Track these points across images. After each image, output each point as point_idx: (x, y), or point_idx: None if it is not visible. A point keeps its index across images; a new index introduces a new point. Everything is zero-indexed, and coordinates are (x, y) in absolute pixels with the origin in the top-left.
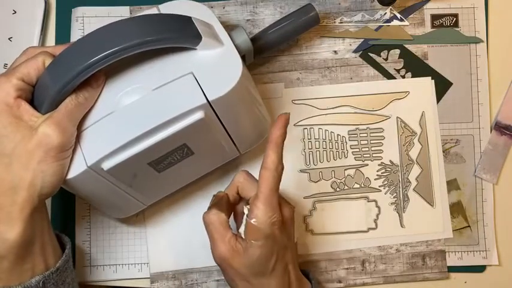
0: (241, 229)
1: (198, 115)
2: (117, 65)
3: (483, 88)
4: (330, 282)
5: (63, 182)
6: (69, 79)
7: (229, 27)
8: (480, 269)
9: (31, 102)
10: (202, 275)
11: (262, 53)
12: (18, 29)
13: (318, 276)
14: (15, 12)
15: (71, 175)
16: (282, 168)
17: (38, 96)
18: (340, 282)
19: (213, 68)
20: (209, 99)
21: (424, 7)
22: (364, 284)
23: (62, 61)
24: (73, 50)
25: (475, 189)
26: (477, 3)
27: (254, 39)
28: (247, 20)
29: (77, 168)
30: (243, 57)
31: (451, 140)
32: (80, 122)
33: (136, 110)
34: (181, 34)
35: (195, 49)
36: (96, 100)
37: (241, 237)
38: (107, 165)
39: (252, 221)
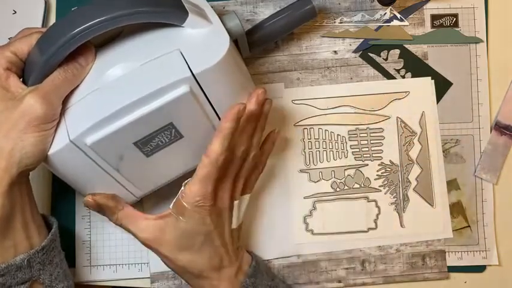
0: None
1: (183, 89)
2: (105, 42)
3: (483, 88)
4: (329, 282)
5: (46, 158)
6: (54, 50)
7: (222, 13)
8: (480, 269)
9: (22, 77)
10: None
11: (258, 45)
12: (18, 29)
13: (317, 276)
14: (15, 12)
15: (53, 149)
16: (225, 160)
17: (27, 70)
18: (340, 282)
19: (200, 45)
20: (194, 72)
21: (424, 7)
22: (364, 284)
23: (48, 35)
24: (59, 24)
25: (475, 189)
26: (477, 3)
27: (250, 32)
28: (247, 20)
29: (59, 143)
30: (235, 42)
31: (451, 140)
32: (66, 98)
33: (122, 84)
34: (167, 9)
35: (183, 27)
36: (85, 76)
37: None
38: (90, 139)
39: (181, 197)
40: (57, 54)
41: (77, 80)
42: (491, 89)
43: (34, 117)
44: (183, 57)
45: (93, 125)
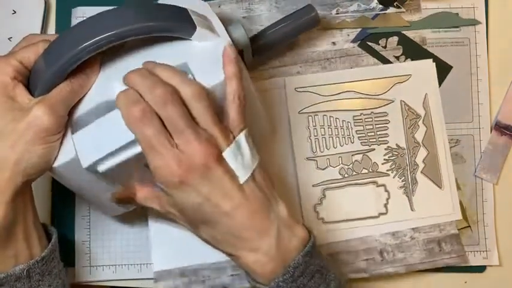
0: None
1: None
2: (112, 53)
3: (483, 88)
4: (353, 273)
5: (50, 169)
6: (62, 64)
7: (228, 22)
8: (480, 269)
9: (27, 86)
10: (214, 271)
11: (261, 53)
12: (18, 29)
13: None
14: (15, 12)
15: (59, 162)
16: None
17: (32, 80)
18: (365, 272)
19: (207, 59)
20: None
21: (424, 7)
22: (386, 274)
23: (56, 46)
24: (67, 35)
25: (475, 189)
26: (477, 3)
27: (253, 39)
28: (243, 17)
29: (65, 156)
30: (240, 52)
31: (451, 140)
32: (72, 109)
33: None
34: (175, 23)
35: (190, 40)
36: (90, 87)
37: None
38: (102, 167)
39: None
40: (65, 68)
41: (83, 91)
42: (491, 89)
43: (41, 129)
44: (191, 71)
45: (106, 155)
